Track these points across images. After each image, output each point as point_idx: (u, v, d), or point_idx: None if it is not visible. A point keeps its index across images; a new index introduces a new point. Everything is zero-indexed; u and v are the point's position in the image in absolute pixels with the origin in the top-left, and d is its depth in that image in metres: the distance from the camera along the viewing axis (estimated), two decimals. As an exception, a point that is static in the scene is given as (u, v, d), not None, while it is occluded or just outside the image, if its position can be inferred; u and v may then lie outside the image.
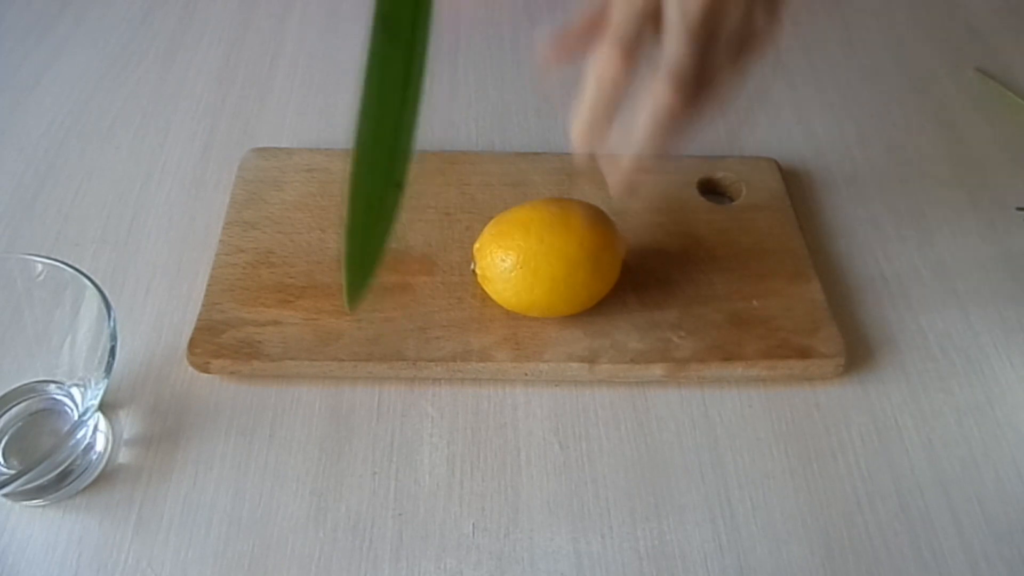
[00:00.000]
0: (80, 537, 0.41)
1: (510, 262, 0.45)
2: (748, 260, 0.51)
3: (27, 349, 0.44)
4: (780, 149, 0.60)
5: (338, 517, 0.42)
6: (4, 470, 0.42)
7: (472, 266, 0.47)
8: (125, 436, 0.45)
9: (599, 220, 0.46)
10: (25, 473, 0.37)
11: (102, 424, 0.45)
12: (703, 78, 0.35)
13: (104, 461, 0.44)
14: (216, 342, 0.46)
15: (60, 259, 0.41)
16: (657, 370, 0.47)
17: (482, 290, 0.49)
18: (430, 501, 0.43)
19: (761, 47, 0.36)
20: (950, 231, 0.56)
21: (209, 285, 0.48)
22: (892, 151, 0.61)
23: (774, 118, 0.63)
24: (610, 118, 0.36)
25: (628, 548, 0.42)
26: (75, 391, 0.44)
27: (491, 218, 0.52)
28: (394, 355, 0.46)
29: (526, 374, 0.47)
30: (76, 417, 0.42)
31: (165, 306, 0.50)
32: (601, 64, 0.35)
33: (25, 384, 0.44)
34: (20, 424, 0.44)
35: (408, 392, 0.47)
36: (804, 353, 0.47)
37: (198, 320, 0.47)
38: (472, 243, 0.52)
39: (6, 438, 0.43)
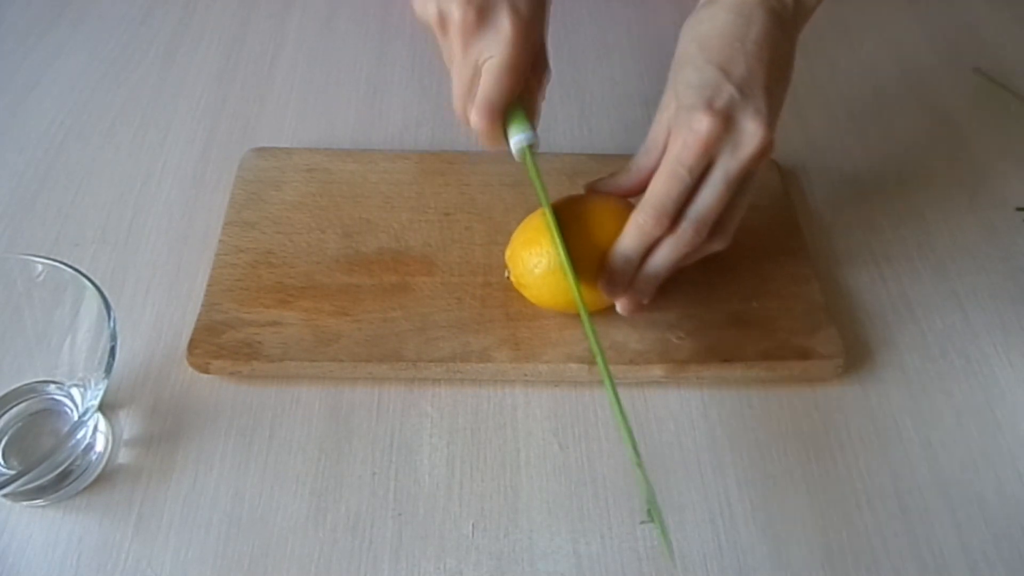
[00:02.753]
0: (80, 537, 0.41)
1: (543, 266, 0.45)
2: (748, 261, 0.51)
3: (27, 349, 0.44)
4: (780, 149, 0.59)
5: (338, 517, 0.42)
6: (4, 470, 0.42)
7: (506, 274, 0.47)
8: (125, 436, 0.45)
9: (620, 210, 0.45)
10: (25, 473, 0.37)
11: (102, 424, 0.45)
12: (718, 221, 0.42)
13: (104, 461, 0.44)
14: (216, 343, 0.46)
15: (60, 259, 0.41)
16: (657, 371, 0.47)
17: (482, 291, 0.49)
18: (430, 501, 0.43)
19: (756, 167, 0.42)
20: (950, 231, 0.56)
21: (209, 285, 0.48)
22: (892, 151, 0.61)
23: (774, 118, 0.63)
24: (637, 263, 0.43)
25: (627, 548, 0.42)
26: (75, 391, 0.44)
27: (491, 218, 0.52)
28: (394, 355, 0.46)
29: (526, 374, 0.47)
30: (76, 417, 0.42)
31: (165, 306, 0.50)
32: (644, 222, 0.42)
33: (25, 384, 0.44)
34: (20, 424, 0.44)
35: (408, 392, 0.47)
36: (803, 354, 0.47)
37: (198, 320, 0.47)
38: (472, 243, 0.52)
39: (6, 438, 0.43)
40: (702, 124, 0.40)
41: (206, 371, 0.46)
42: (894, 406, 0.48)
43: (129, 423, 0.45)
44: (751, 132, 0.40)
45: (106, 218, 0.54)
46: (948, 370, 0.49)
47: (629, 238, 0.43)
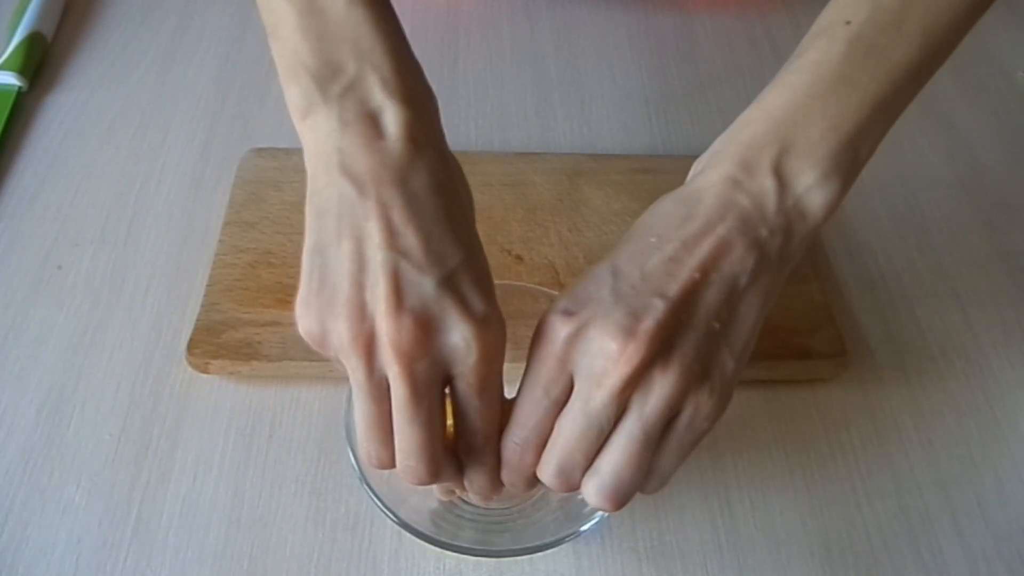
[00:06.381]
0: (80, 537, 0.41)
1: None
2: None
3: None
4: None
5: (337, 517, 0.42)
6: (4, 470, 0.42)
7: None
8: (124, 435, 0.45)
9: None
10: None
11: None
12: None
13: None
14: (215, 343, 0.46)
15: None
16: (656, 370, 0.47)
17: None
18: (429, 501, 0.43)
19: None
20: (950, 231, 0.56)
21: (208, 285, 0.48)
22: (892, 150, 0.61)
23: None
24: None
25: (627, 548, 0.42)
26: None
27: (491, 218, 0.52)
28: (393, 355, 0.46)
29: (525, 374, 0.47)
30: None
31: (164, 307, 0.50)
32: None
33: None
34: (20, 424, 0.44)
35: (407, 392, 0.47)
36: (803, 353, 0.47)
37: (197, 321, 0.47)
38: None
39: (6, 438, 0.43)
40: (548, 331, 0.32)
41: (206, 371, 0.46)
42: (894, 406, 0.48)
43: (129, 422, 0.45)
44: (599, 352, 0.30)
45: (105, 218, 0.54)
46: (948, 369, 0.49)
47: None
